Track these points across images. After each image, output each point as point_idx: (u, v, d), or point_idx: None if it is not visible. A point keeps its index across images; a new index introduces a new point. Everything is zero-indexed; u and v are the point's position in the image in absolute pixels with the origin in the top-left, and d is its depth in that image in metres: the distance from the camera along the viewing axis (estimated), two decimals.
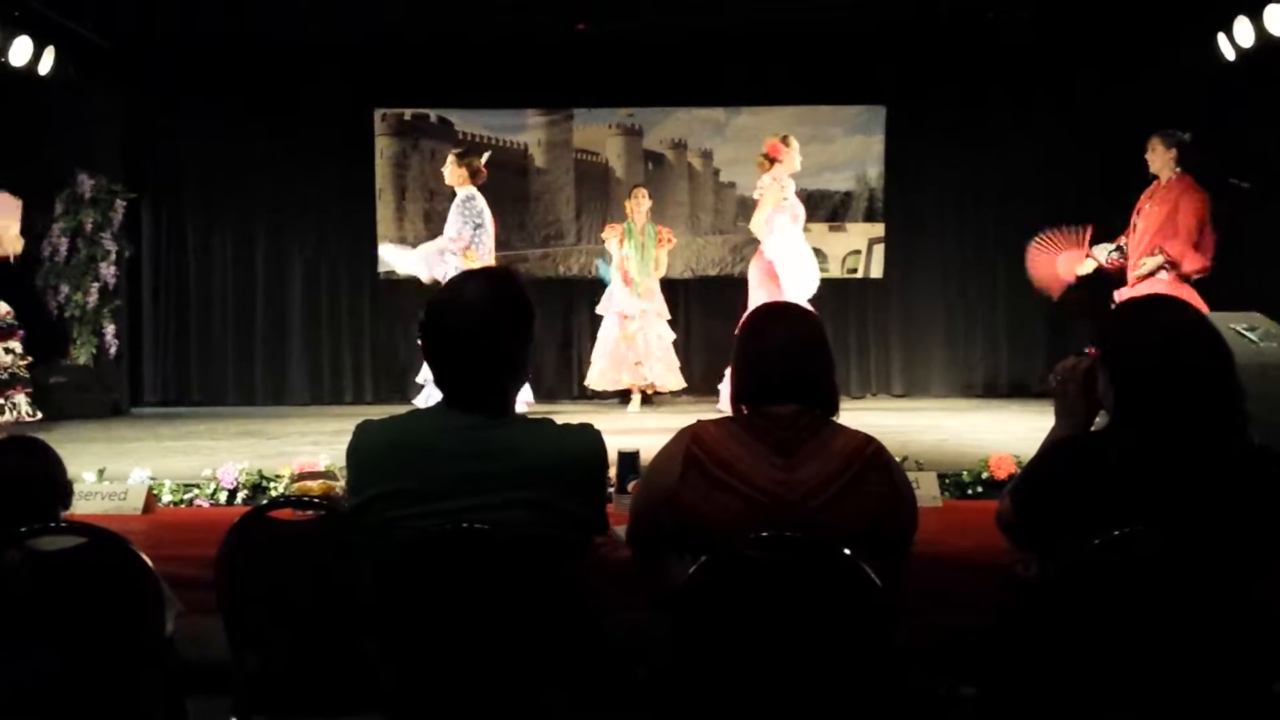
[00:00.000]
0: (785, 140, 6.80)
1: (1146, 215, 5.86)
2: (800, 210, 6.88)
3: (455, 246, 6.41)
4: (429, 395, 6.65)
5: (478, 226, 6.43)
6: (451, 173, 6.58)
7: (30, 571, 2.17)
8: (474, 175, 6.56)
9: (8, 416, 6.67)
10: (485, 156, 6.76)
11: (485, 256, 6.44)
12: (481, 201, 6.52)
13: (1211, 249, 5.67)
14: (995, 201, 8.53)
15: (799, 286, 6.52)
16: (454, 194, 6.56)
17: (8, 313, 6.80)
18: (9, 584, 2.17)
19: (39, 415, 6.90)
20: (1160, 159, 5.83)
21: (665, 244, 7.82)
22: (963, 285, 8.77)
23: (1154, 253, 5.73)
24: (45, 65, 7.37)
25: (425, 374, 6.58)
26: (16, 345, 6.81)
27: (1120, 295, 5.71)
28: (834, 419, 2.17)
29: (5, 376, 6.70)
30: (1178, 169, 5.79)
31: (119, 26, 7.76)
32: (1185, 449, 1.95)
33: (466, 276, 2.14)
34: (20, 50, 7.08)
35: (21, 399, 6.78)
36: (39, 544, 2.21)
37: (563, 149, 8.88)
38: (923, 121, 8.48)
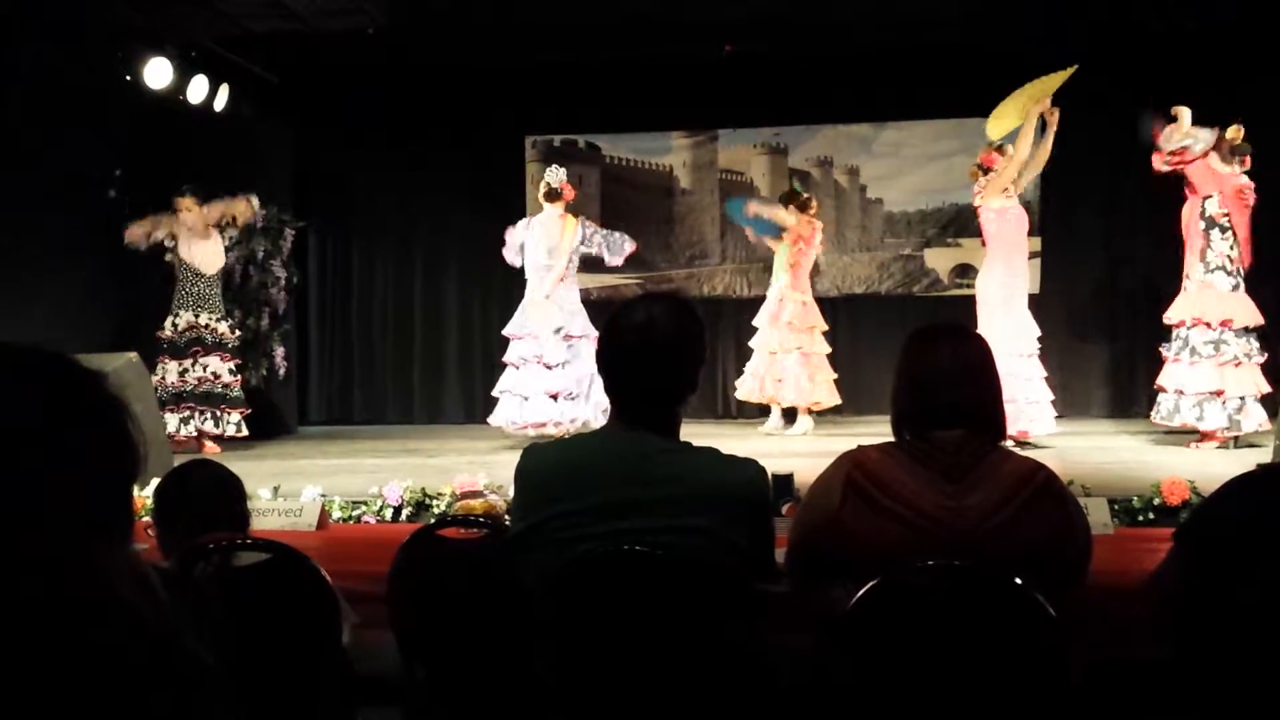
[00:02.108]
0: (1001, 150, 6.56)
1: None
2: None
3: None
4: (504, 412, 6.72)
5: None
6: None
7: (221, 584, 2.31)
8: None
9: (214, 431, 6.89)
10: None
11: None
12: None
13: None
14: (1151, 214, 8.15)
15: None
16: (600, 217, 6.79)
17: (207, 328, 6.98)
18: (202, 595, 2.31)
19: (244, 433, 7.09)
20: None
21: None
22: (1121, 300, 8.42)
23: None
24: (220, 102, 7.82)
25: (499, 386, 6.81)
26: (216, 361, 6.97)
27: None
28: (1001, 443, 2.12)
29: (209, 391, 6.87)
30: None
31: (287, 63, 8.19)
32: None
33: (650, 299, 2.19)
34: (197, 89, 7.55)
35: (233, 417, 6.99)
36: (231, 559, 2.35)
37: (707, 170, 8.93)
38: (1081, 132, 8.18)
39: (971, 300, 7.12)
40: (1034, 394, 6.10)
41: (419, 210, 8.98)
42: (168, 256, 7.08)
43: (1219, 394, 5.95)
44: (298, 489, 4.74)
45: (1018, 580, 1.83)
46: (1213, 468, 4.91)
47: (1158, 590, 2.07)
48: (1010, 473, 2.03)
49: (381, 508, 4.65)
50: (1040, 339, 6.37)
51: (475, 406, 8.99)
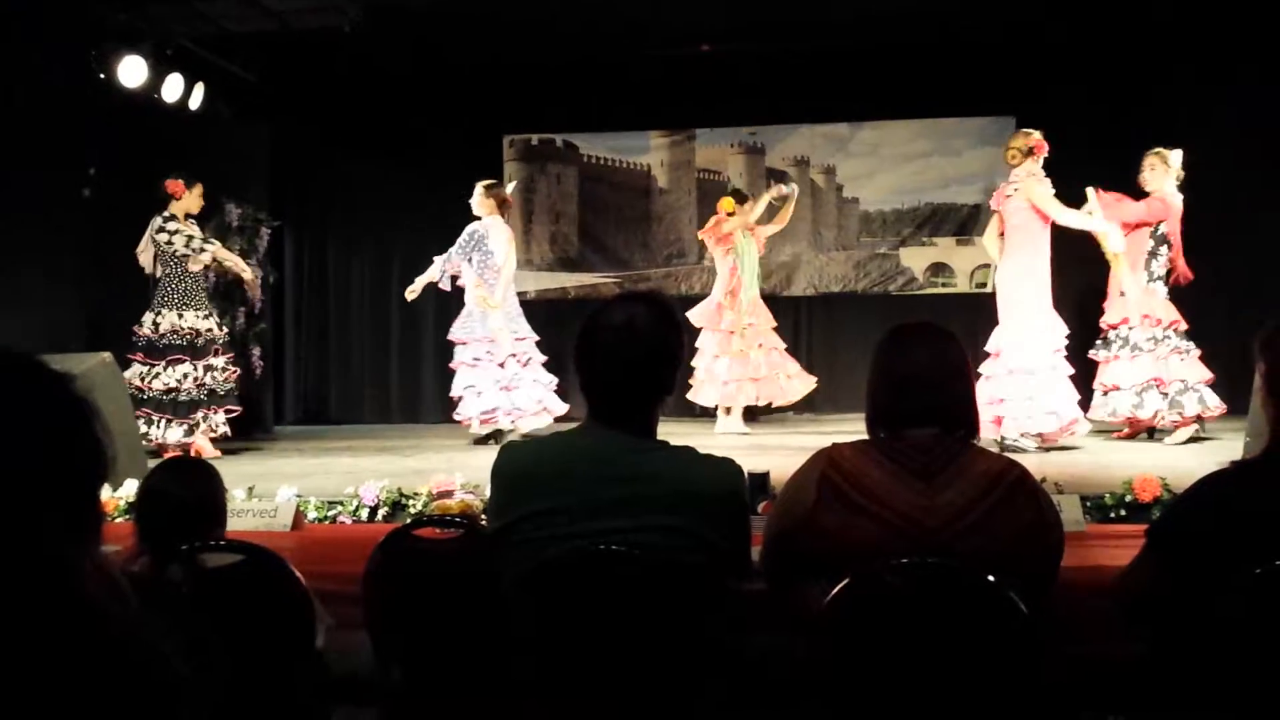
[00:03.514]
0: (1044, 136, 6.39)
1: None
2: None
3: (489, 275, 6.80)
4: (466, 407, 6.91)
5: (489, 254, 6.81)
6: (480, 203, 6.92)
7: (196, 586, 2.29)
8: (501, 205, 6.95)
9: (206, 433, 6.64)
10: (510, 187, 7.17)
11: (492, 284, 6.83)
12: (497, 232, 6.89)
13: None
14: None
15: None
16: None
17: (190, 331, 6.69)
18: (175, 597, 2.30)
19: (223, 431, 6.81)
20: None
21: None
22: (1088, 300, 8.47)
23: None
24: (195, 101, 7.76)
25: (456, 386, 6.96)
26: (205, 363, 6.68)
27: None
28: (974, 442, 2.13)
29: (195, 397, 6.59)
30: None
31: (264, 62, 8.14)
32: None
33: (630, 299, 2.18)
34: (172, 87, 7.48)
35: (219, 418, 6.71)
36: (203, 560, 2.34)
37: (685, 169, 8.94)
38: (1054, 131, 8.23)
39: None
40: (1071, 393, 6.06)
41: (396, 209, 8.95)
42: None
43: (1158, 382, 6.15)
44: (273, 489, 4.71)
45: (990, 578, 1.84)
46: (1185, 465, 4.95)
47: (1129, 586, 2.10)
48: (983, 471, 2.04)
49: (357, 508, 4.62)
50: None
51: (452, 406, 8.97)
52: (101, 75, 7.02)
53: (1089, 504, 4.17)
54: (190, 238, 6.72)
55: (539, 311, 9.07)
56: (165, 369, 6.58)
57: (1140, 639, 2.13)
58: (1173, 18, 7.27)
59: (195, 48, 7.53)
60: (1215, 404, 6.20)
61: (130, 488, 4.33)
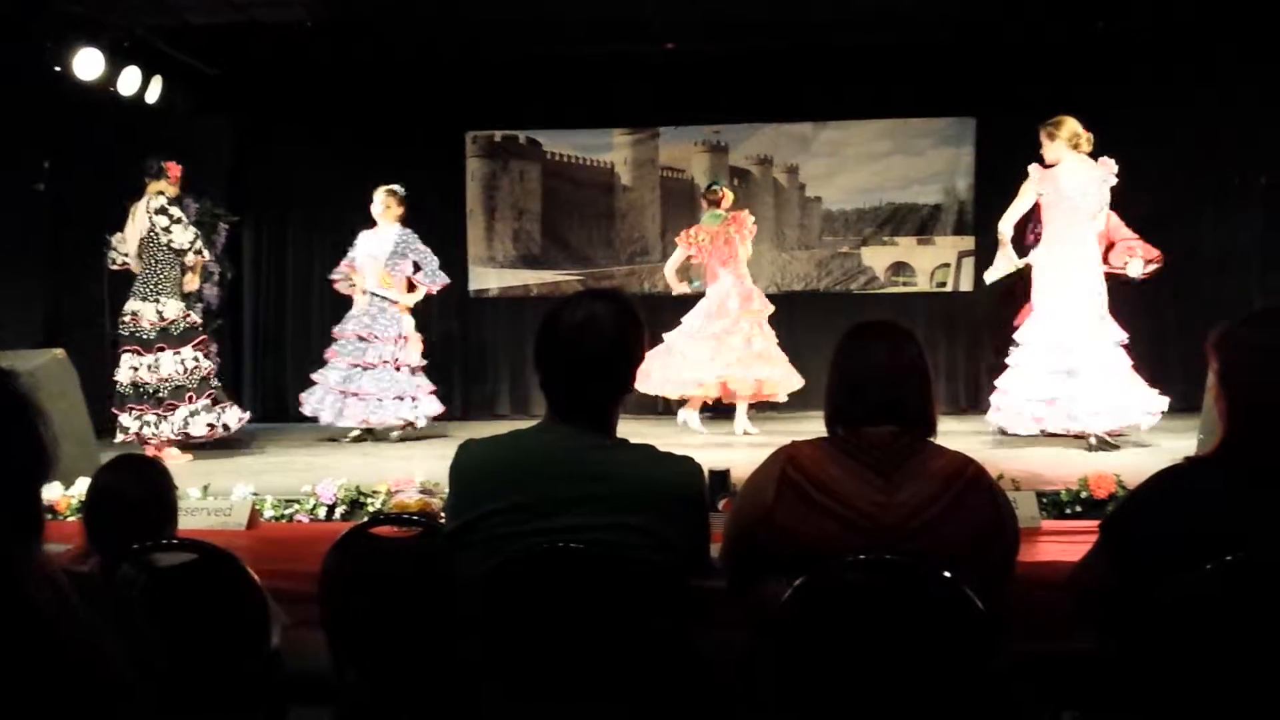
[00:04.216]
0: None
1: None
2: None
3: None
4: (316, 399, 7.08)
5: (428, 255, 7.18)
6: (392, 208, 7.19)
7: (147, 586, 2.26)
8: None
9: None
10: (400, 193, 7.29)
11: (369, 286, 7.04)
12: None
13: None
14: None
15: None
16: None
17: (179, 319, 6.54)
18: (127, 597, 2.26)
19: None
20: None
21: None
22: None
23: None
24: (153, 94, 7.66)
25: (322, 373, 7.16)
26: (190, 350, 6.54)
27: None
28: (932, 439, 2.14)
29: (179, 385, 6.43)
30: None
31: (223, 55, 8.04)
32: None
33: (590, 296, 2.17)
34: (129, 80, 7.37)
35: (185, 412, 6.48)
36: (156, 560, 2.30)
37: (648, 167, 8.94)
38: (1014, 132, 8.30)
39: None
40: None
41: (357, 205, 8.79)
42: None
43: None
44: (228, 487, 4.66)
45: (947, 574, 1.86)
46: (1140, 462, 5.02)
47: (1082, 581, 2.12)
48: (940, 468, 2.06)
49: (315, 506, 4.58)
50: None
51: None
52: (57, 68, 6.91)
53: (1045, 500, 4.22)
54: (196, 236, 6.64)
55: (501, 309, 9.07)
56: (163, 359, 6.44)
57: (1093, 633, 2.15)
58: (1127, 21, 7.36)
59: (153, 40, 7.42)
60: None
61: (83, 486, 4.27)
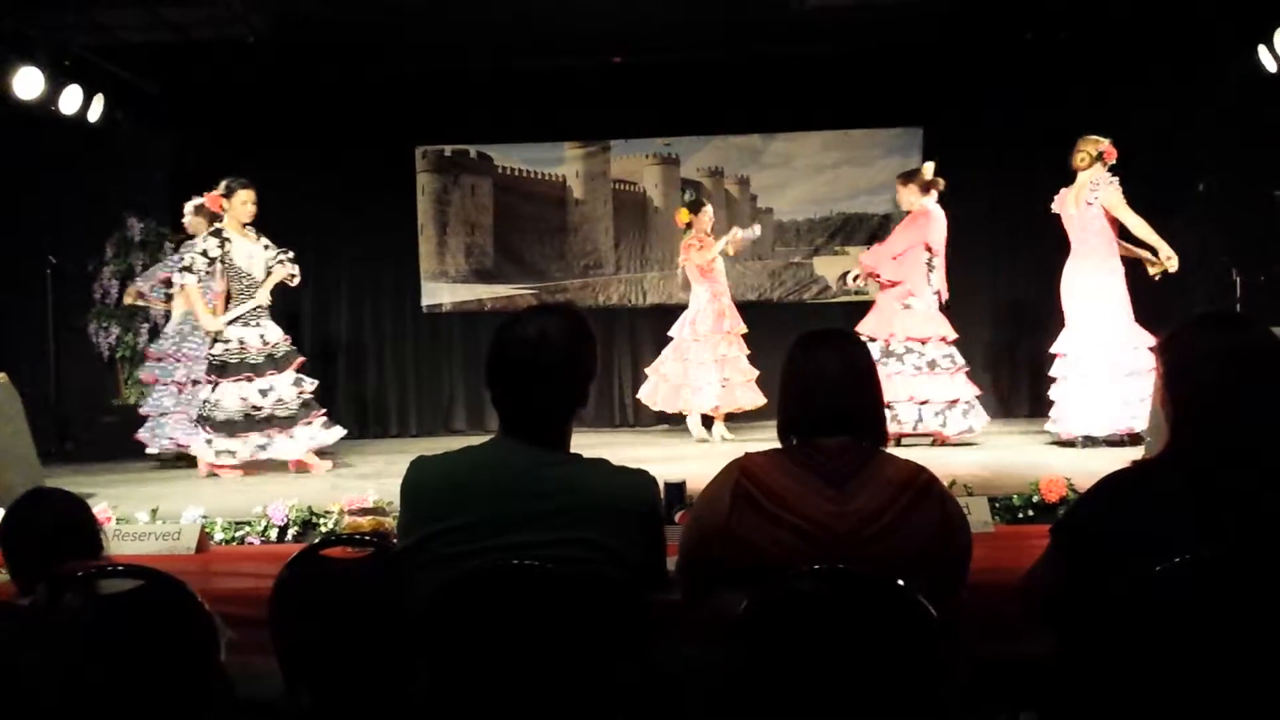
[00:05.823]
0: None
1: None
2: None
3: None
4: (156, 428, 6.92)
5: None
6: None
7: (90, 614, 2.21)
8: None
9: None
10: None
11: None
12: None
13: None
14: (1034, 221, 8.43)
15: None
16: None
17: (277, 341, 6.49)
18: (70, 626, 2.21)
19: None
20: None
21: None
22: (1005, 307, 8.69)
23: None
24: (95, 112, 7.54)
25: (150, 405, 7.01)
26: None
27: None
28: (883, 448, 2.15)
29: (293, 410, 6.38)
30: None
31: (166, 74, 7.93)
32: (1243, 482, 1.90)
33: (541, 311, 2.15)
34: (70, 99, 7.26)
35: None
36: (99, 587, 2.25)
37: (600, 180, 8.94)
38: (960, 142, 8.43)
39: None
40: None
41: (306, 223, 8.75)
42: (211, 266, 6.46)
43: (956, 402, 6.51)
44: (178, 510, 4.57)
45: (900, 582, 1.86)
46: (1091, 465, 5.07)
47: (1034, 584, 2.13)
48: (892, 477, 2.06)
49: (266, 528, 4.51)
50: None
51: (366, 420, 8.84)
52: None
53: (997, 505, 4.25)
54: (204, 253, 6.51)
55: (455, 324, 9.01)
56: (277, 382, 6.41)
57: (1046, 636, 2.16)
58: (1071, 33, 7.50)
59: (94, 58, 7.31)
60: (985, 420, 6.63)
61: None
